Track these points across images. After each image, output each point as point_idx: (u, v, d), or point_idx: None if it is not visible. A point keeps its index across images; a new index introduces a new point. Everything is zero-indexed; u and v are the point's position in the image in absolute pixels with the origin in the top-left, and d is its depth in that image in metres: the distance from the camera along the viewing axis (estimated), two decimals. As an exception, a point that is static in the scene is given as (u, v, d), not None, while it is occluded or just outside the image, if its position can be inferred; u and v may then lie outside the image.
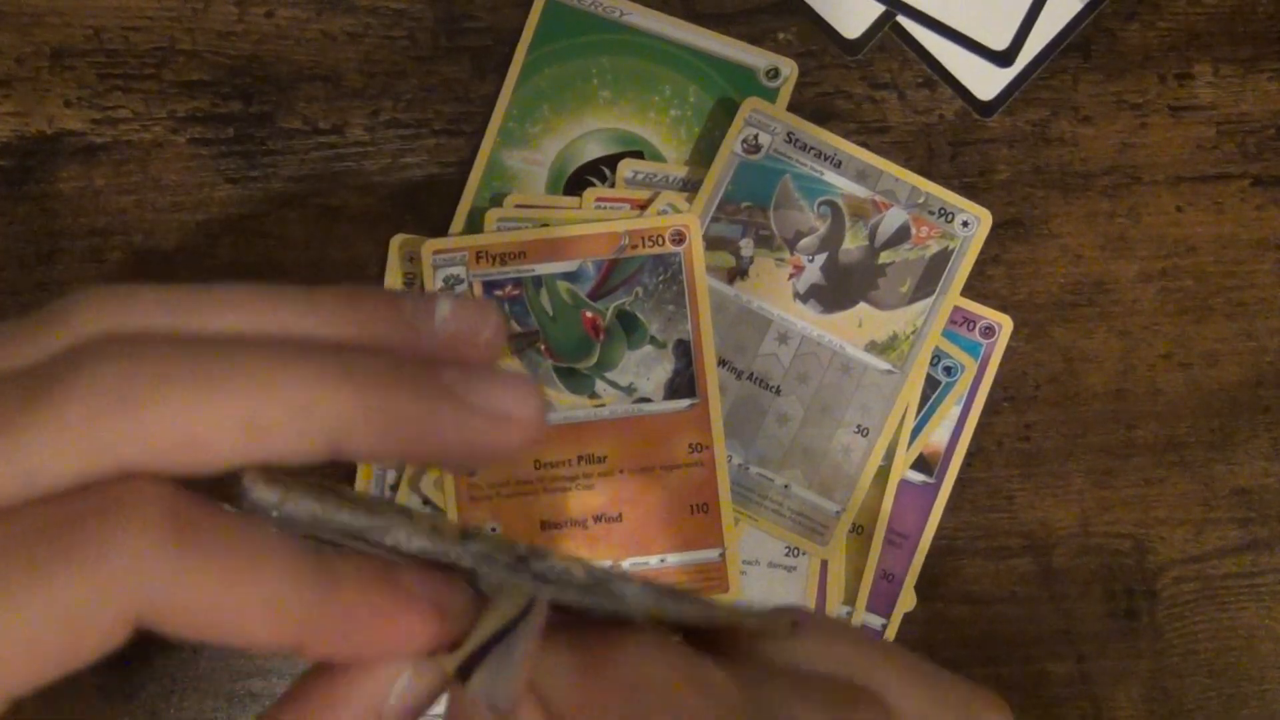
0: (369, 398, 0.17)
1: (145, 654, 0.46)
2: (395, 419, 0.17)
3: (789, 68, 0.48)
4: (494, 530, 0.18)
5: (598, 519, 0.45)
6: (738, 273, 0.47)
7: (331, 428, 0.17)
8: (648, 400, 0.46)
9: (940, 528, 0.47)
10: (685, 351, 0.46)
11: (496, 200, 0.47)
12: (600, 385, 0.46)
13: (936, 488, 0.47)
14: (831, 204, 0.47)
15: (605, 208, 0.47)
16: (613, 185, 0.48)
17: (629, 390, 0.46)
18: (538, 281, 0.46)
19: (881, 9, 0.49)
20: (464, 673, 0.18)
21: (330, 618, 0.17)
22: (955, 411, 0.47)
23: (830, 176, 0.47)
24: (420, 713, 0.19)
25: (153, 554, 0.16)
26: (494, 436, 0.17)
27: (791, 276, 0.47)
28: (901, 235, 0.47)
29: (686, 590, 0.20)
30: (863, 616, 0.46)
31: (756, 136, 0.47)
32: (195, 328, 0.17)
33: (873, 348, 0.47)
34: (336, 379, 0.17)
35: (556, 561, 0.19)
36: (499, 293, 0.46)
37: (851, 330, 0.47)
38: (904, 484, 0.47)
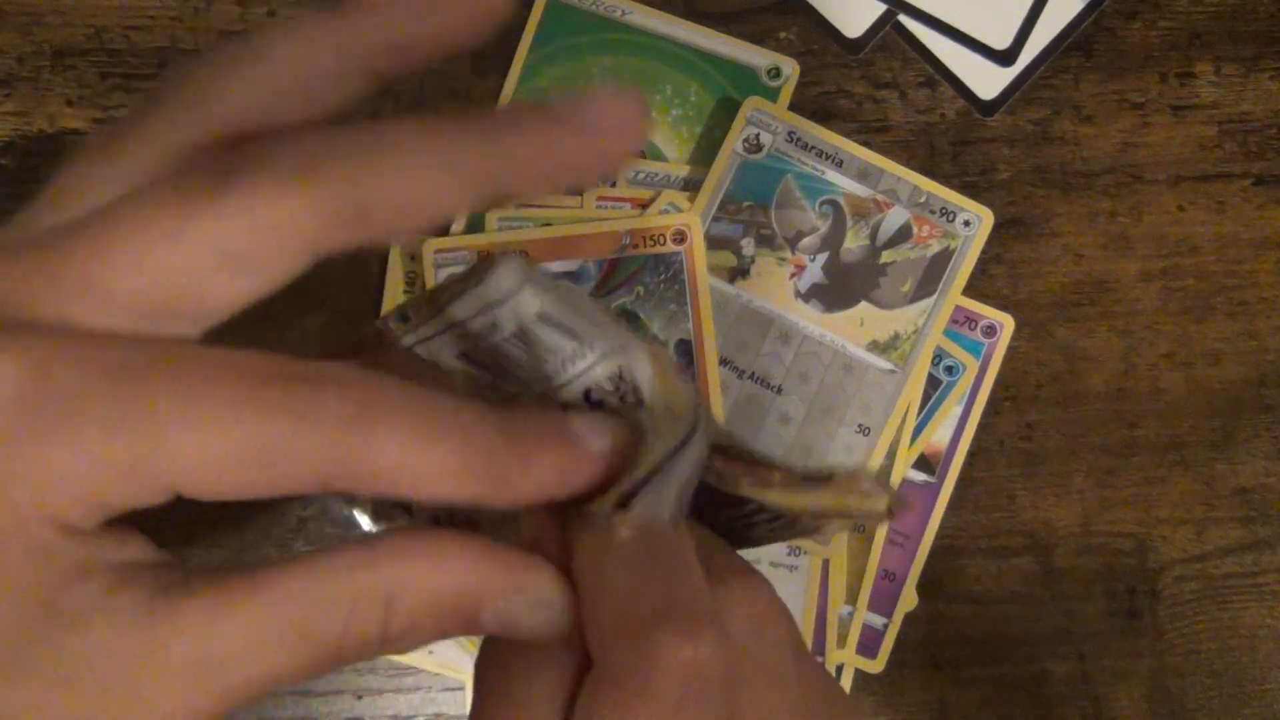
0: (512, 145, 0.19)
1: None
2: (530, 158, 0.19)
3: (790, 67, 0.48)
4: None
5: (599, 518, 0.45)
6: (739, 272, 0.47)
7: (489, 181, 0.19)
8: (649, 400, 0.46)
9: (942, 527, 0.47)
10: (687, 351, 0.46)
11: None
12: (602, 385, 0.46)
13: (938, 487, 0.47)
14: (833, 203, 0.47)
15: (606, 207, 0.47)
16: (614, 184, 0.48)
17: (630, 390, 0.46)
18: (539, 281, 0.46)
19: (883, 8, 0.49)
20: (624, 500, 0.20)
21: (511, 474, 0.19)
22: (957, 411, 0.47)
23: (831, 176, 0.47)
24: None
25: (347, 424, 0.17)
26: (608, 147, 0.20)
27: (793, 276, 0.47)
28: (903, 234, 0.47)
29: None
30: (864, 616, 0.46)
31: (758, 136, 0.47)
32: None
33: (874, 347, 0.47)
34: (485, 139, 0.19)
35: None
36: (500, 292, 0.46)
37: (853, 330, 0.47)
38: (906, 483, 0.47)
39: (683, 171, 0.48)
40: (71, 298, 0.17)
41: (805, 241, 0.47)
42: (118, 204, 0.18)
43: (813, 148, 0.47)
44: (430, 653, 0.45)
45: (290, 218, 0.17)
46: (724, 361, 0.46)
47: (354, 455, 0.18)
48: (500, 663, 0.21)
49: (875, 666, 0.47)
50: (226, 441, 0.17)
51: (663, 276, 0.46)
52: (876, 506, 0.22)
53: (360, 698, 0.46)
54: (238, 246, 0.17)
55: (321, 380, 0.18)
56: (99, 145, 0.19)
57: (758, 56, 0.48)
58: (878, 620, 0.47)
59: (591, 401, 0.21)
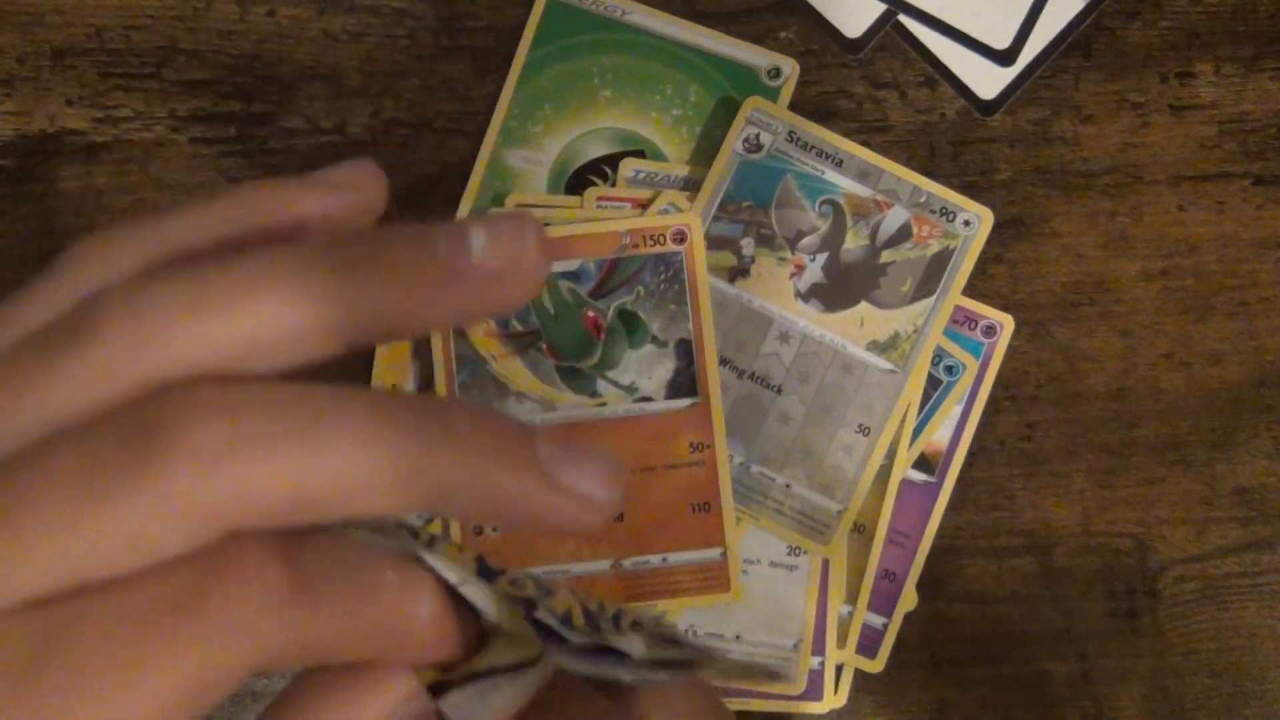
0: (470, 466, 0.17)
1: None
2: (490, 488, 0.17)
3: (790, 67, 0.48)
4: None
5: (599, 518, 0.45)
6: (739, 272, 0.47)
7: (432, 491, 0.17)
8: (649, 399, 0.46)
9: (942, 527, 0.47)
10: (686, 351, 0.46)
11: (498, 200, 0.47)
12: (602, 384, 0.46)
13: (938, 487, 0.47)
14: (833, 203, 0.47)
15: (606, 207, 0.47)
16: (614, 184, 0.48)
17: (630, 389, 0.46)
18: (539, 281, 0.46)
19: (883, 8, 0.49)
20: (439, 690, 0.18)
21: (408, 640, 0.18)
22: (957, 411, 0.47)
23: (831, 176, 0.47)
24: None
25: (276, 613, 0.16)
26: (575, 517, 0.18)
27: (793, 276, 0.47)
28: (903, 234, 0.47)
29: (691, 643, 0.20)
30: (864, 615, 0.46)
31: (758, 135, 0.47)
32: (217, 292, 0.17)
33: (874, 347, 0.47)
34: (441, 443, 0.17)
35: (558, 605, 0.19)
36: (500, 292, 0.46)
37: (853, 329, 0.47)
38: (905, 483, 0.47)
39: (683, 171, 0.48)
40: None
41: (805, 241, 0.47)
42: (15, 482, 0.15)
43: (813, 148, 0.47)
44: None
45: (211, 505, 0.15)
46: (724, 361, 0.46)
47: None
48: None
49: (875, 666, 0.47)
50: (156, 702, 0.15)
51: (663, 276, 0.46)
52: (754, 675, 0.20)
53: (360, 697, 0.46)
54: (145, 536, 0.15)
55: (238, 587, 0.16)
56: (15, 378, 0.16)
57: (758, 56, 0.48)
58: (878, 620, 0.47)
59: None
